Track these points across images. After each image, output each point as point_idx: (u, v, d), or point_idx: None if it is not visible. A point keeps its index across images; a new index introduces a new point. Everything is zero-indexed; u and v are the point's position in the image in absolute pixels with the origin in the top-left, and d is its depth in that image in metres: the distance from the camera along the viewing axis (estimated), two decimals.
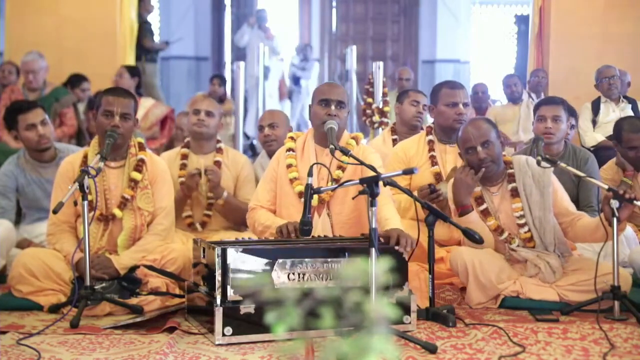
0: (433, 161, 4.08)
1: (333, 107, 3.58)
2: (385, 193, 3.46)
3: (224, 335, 2.94)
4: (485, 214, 3.63)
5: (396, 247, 3.15)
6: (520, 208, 3.59)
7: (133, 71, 7.18)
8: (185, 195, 4.22)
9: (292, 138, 3.79)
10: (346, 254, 3.14)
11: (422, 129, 4.84)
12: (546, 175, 3.60)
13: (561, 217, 3.63)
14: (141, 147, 3.84)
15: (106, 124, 3.66)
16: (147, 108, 6.97)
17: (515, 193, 3.62)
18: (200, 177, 4.18)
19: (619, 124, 4.32)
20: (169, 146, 6.65)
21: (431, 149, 4.11)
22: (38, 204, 4.35)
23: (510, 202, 3.63)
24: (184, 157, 4.37)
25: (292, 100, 11.41)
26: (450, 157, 4.09)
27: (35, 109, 4.34)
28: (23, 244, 4.17)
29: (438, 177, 4.05)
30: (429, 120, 4.99)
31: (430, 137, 4.15)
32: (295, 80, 11.43)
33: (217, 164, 4.32)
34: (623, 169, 4.36)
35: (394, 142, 4.74)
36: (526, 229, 3.59)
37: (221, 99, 8.88)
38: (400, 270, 3.17)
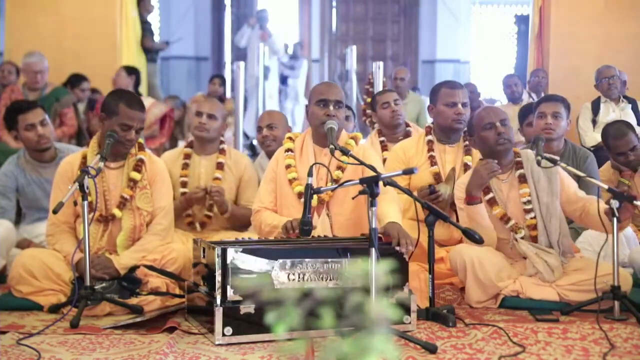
0: (432, 161, 4.07)
1: (331, 107, 3.58)
2: (389, 192, 3.46)
3: (224, 335, 2.94)
4: (491, 203, 3.65)
5: (397, 248, 3.15)
6: (528, 194, 3.62)
7: (131, 70, 7.17)
8: (187, 205, 4.20)
9: (290, 138, 3.79)
10: (347, 254, 3.14)
11: (408, 125, 4.87)
12: (554, 168, 3.63)
13: (572, 204, 3.64)
14: (140, 147, 3.83)
15: (122, 136, 3.63)
16: (146, 107, 6.97)
17: (523, 179, 3.65)
18: (204, 196, 4.14)
19: (605, 131, 4.35)
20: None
21: (430, 149, 4.10)
22: (38, 204, 4.35)
23: (518, 188, 3.64)
24: (187, 156, 4.34)
25: (279, 100, 11.26)
26: (449, 157, 4.08)
27: (35, 109, 4.34)
28: (23, 244, 4.17)
29: (437, 177, 4.04)
30: (429, 119, 4.99)
31: (430, 137, 4.14)
32: (283, 79, 11.26)
33: (220, 165, 4.30)
34: (620, 170, 4.36)
35: (382, 144, 4.76)
36: (532, 215, 3.61)
37: (221, 99, 8.87)
38: (401, 271, 3.17)
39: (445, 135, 4.11)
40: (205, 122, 4.27)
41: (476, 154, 3.97)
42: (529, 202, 3.61)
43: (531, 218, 3.61)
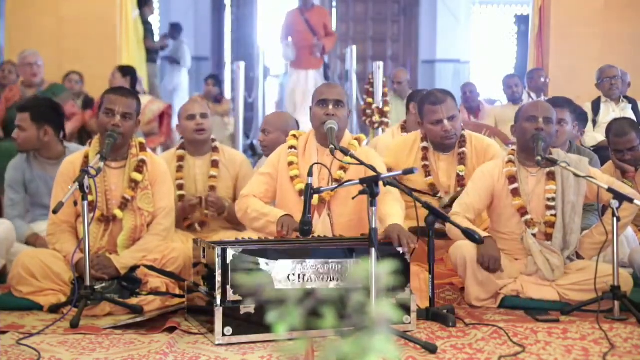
0: (426, 171, 4.00)
1: (331, 107, 3.59)
2: (391, 192, 3.46)
3: (224, 335, 2.94)
4: (514, 193, 3.66)
5: (398, 249, 3.15)
6: (554, 191, 3.63)
7: (125, 71, 7.13)
8: (183, 213, 4.19)
9: (294, 136, 3.79)
10: (348, 254, 3.14)
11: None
12: (583, 163, 3.66)
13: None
14: (142, 148, 3.84)
15: (107, 123, 3.66)
16: (143, 105, 6.95)
17: (551, 176, 3.66)
18: (200, 206, 4.15)
19: (609, 126, 4.37)
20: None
21: (425, 158, 4.03)
22: (41, 201, 4.34)
23: (545, 184, 3.65)
24: (180, 159, 4.31)
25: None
26: (443, 165, 4.03)
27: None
28: (32, 239, 4.16)
29: (432, 187, 3.99)
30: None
31: (425, 144, 4.06)
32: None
33: (215, 163, 4.29)
34: (622, 170, 4.36)
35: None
36: (553, 212, 3.62)
37: (217, 99, 8.87)
38: (402, 272, 3.16)
39: (439, 147, 4.04)
40: (202, 122, 4.25)
41: (470, 164, 3.95)
42: (553, 199, 3.62)
43: (551, 215, 3.62)
